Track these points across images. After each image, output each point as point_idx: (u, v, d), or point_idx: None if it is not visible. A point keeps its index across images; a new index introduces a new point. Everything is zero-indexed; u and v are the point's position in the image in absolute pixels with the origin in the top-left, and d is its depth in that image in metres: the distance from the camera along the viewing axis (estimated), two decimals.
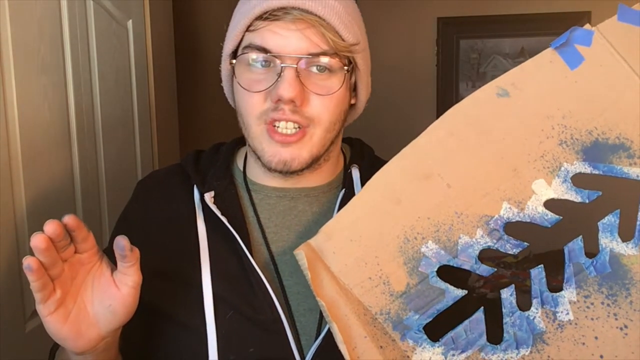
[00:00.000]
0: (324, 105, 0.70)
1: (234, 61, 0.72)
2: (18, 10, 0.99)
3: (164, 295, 0.73)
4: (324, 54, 0.68)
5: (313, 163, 0.73)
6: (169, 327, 0.73)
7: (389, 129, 2.04)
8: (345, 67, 0.70)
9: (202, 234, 0.74)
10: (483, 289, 0.62)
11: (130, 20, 1.49)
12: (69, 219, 0.58)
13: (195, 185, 0.78)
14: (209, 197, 0.75)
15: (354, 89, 0.77)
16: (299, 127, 0.70)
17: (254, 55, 0.69)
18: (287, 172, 0.72)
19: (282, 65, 0.67)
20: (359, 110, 0.81)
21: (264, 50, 0.68)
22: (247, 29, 0.70)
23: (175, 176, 0.81)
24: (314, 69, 0.69)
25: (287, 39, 0.68)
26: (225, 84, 0.79)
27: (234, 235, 0.72)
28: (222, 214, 0.73)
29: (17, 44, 0.99)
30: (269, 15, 0.68)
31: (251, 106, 0.71)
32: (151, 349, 0.75)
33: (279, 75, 0.68)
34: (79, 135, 1.21)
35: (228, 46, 0.73)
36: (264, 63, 0.70)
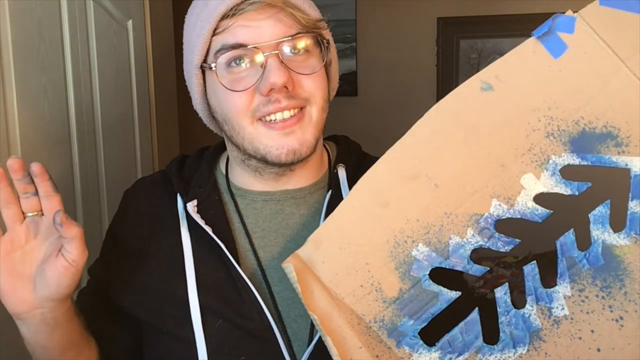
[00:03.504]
0: (314, 83, 0.70)
1: (213, 66, 0.69)
2: (18, 10, 1.00)
3: (152, 307, 0.74)
4: (299, 33, 0.68)
5: (315, 146, 0.73)
6: (159, 339, 0.74)
7: (389, 129, 2.04)
8: (326, 40, 0.72)
9: (186, 244, 0.74)
10: (483, 289, 0.62)
11: (130, 20, 1.50)
12: (33, 164, 0.63)
13: (180, 196, 0.78)
14: (191, 206, 0.75)
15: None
16: (296, 112, 0.70)
17: (228, 55, 0.68)
18: (297, 161, 0.71)
19: (265, 54, 0.67)
20: (333, 93, 0.80)
21: (240, 46, 0.67)
22: (214, 33, 0.69)
23: (159, 184, 0.82)
24: (291, 53, 0.69)
25: (261, 29, 0.67)
26: (197, 100, 0.76)
27: (219, 244, 0.72)
28: (207, 223, 0.73)
29: (17, 44, 0.99)
30: (234, 12, 0.67)
31: (240, 106, 0.69)
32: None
33: (263, 66, 0.67)
34: (79, 135, 1.21)
35: (196, 57, 0.71)
36: (240, 61, 0.68)
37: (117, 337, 0.79)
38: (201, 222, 0.73)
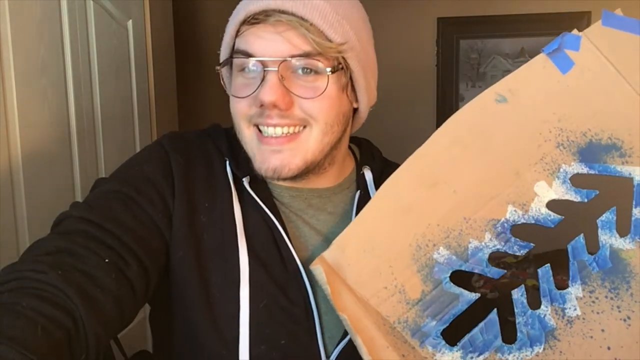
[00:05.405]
0: (314, 106, 0.70)
1: (223, 62, 0.73)
2: (18, 10, 0.99)
3: (199, 267, 0.70)
4: (307, 55, 0.68)
5: (309, 169, 0.73)
6: (203, 308, 0.70)
7: (389, 129, 2.04)
8: (329, 68, 0.69)
9: (237, 215, 0.73)
10: (483, 289, 0.66)
11: (130, 20, 1.50)
12: None
13: (228, 164, 0.77)
14: (246, 181, 0.75)
15: (354, 91, 0.76)
16: (290, 132, 0.70)
17: (239, 60, 0.70)
18: (278, 179, 0.72)
19: (265, 69, 0.68)
20: (362, 115, 0.81)
21: (248, 54, 0.69)
22: (237, 35, 0.71)
23: (207, 144, 0.79)
24: (300, 72, 0.69)
25: (268, 42, 0.68)
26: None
27: (270, 224, 0.73)
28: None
29: (17, 45, 0.99)
30: (252, 19, 0.68)
31: (239, 111, 0.72)
32: (185, 328, 0.73)
33: (262, 80, 0.68)
34: (79, 135, 1.21)
35: (223, 54, 0.75)
36: (250, 67, 0.70)
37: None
38: (257, 198, 0.73)
